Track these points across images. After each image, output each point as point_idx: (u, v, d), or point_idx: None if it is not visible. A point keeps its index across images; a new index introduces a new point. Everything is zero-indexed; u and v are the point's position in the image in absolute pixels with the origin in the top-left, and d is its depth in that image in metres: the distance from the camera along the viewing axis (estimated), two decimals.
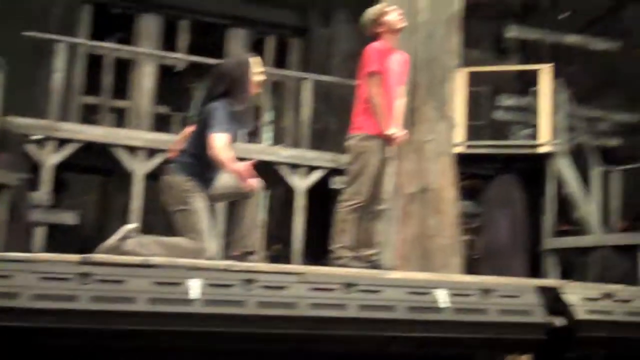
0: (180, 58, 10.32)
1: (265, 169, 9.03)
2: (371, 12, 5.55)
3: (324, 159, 9.28)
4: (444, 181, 7.91)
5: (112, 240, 4.59)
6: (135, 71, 10.26)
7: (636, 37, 12.23)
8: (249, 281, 3.19)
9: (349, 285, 3.39)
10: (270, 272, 3.62)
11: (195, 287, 3.01)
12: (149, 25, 10.67)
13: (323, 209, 9.40)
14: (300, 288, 3.29)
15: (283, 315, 3.16)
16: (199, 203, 4.70)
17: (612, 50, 12.26)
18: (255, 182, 4.75)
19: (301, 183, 9.17)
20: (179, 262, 3.71)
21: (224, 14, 11.08)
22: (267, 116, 11.79)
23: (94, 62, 10.18)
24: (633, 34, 12.32)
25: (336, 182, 8.91)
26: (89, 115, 10.34)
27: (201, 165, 4.75)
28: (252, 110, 4.99)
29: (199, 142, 4.73)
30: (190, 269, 3.34)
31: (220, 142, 4.53)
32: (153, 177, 7.97)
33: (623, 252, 9.43)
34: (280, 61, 11.55)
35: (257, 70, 4.91)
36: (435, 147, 7.96)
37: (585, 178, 10.43)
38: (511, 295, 3.79)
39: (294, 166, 9.19)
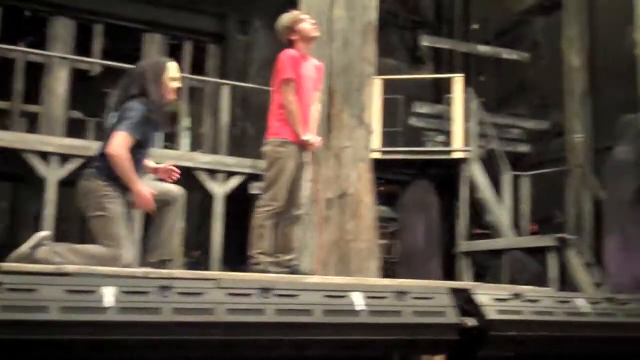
0: (94, 62, 10.10)
1: (184, 175, 8.96)
2: (285, 19, 5.59)
3: (242, 164, 9.28)
4: (362, 186, 8.03)
5: (24, 248, 4.44)
6: (48, 75, 9.98)
7: (543, 48, 12.74)
8: (165, 288, 3.17)
9: (265, 290, 3.41)
10: (186, 279, 3.62)
11: (109, 295, 2.97)
12: (62, 28, 10.41)
13: (243, 215, 9.40)
14: (217, 294, 3.29)
15: (200, 322, 3.15)
16: (116, 208, 4.61)
17: (520, 60, 12.70)
18: (149, 207, 4.69)
19: (220, 189, 9.13)
20: (93, 269, 3.65)
21: (139, 18, 10.93)
22: (185, 122, 11.67)
23: (5, 66, 9.87)
24: (540, 45, 12.82)
25: (255, 188, 8.91)
26: (0, 120, 10.01)
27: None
28: (167, 114, 4.91)
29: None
30: (105, 276, 3.29)
31: (118, 140, 4.46)
32: (67, 183, 7.79)
33: (533, 254, 9.79)
34: (197, 67, 11.47)
35: (174, 75, 4.87)
36: (353, 153, 8.07)
37: (496, 183, 10.78)
38: (425, 297, 3.88)
39: (213, 172, 9.15)
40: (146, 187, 4.59)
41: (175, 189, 4.93)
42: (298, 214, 5.50)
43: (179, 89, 4.93)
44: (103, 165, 4.64)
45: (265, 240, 5.32)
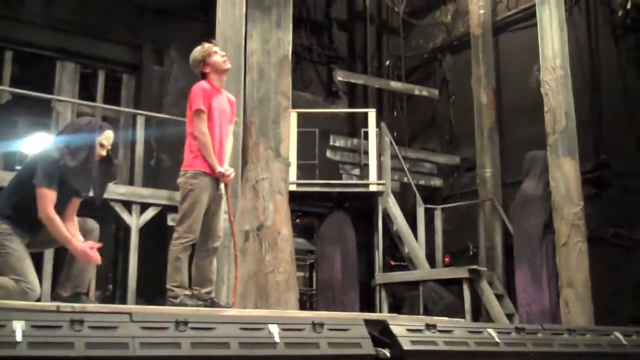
0: (3, 90, 9.80)
1: (98, 206, 8.75)
2: (196, 52, 5.59)
3: (158, 196, 9.13)
4: (279, 219, 8.05)
5: None
6: None
7: (453, 85, 13.18)
8: (77, 322, 3.08)
9: (181, 324, 3.37)
10: (99, 312, 3.53)
11: (19, 329, 2.87)
12: None
13: (159, 247, 9.23)
14: (131, 327, 3.23)
15: (113, 356, 3.08)
16: (15, 245, 4.51)
17: (431, 96, 13.08)
18: (96, 258, 4.69)
19: (135, 221, 8.95)
20: (3, 303, 3.52)
21: (52, 46, 10.67)
22: None
23: None
24: (450, 82, 13.26)
25: (171, 220, 8.79)
26: None
27: (20, 207, 4.59)
28: (89, 176, 4.85)
29: (21, 186, 4.62)
30: (15, 310, 3.18)
31: (44, 200, 4.49)
32: None
33: (447, 285, 9.99)
34: (111, 97, 11.28)
35: (105, 142, 4.90)
36: (270, 185, 8.10)
37: (411, 216, 10.98)
38: (341, 329, 3.92)
39: (128, 203, 8.96)
40: (82, 243, 4.60)
41: (90, 222, 4.86)
42: (215, 246, 5.46)
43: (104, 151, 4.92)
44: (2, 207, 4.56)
45: (181, 273, 5.26)
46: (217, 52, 5.57)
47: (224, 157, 5.51)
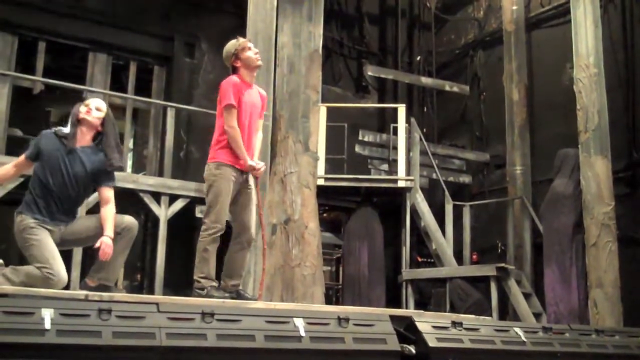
0: (36, 80, 9.92)
1: (127, 197, 8.83)
2: (230, 46, 5.61)
3: (186, 187, 9.19)
4: (307, 212, 8.07)
5: None
6: None
7: (484, 81, 13.06)
8: (105, 311, 3.12)
9: (207, 315, 3.39)
10: (126, 302, 3.56)
11: (48, 317, 2.91)
12: (4, 44, 10.20)
13: (187, 238, 9.30)
14: (158, 318, 3.26)
15: (140, 346, 3.11)
16: (38, 236, 4.60)
17: (462, 92, 12.99)
18: (104, 253, 4.71)
19: (163, 212, 9.02)
20: (33, 291, 3.57)
21: (85, 37, 10.77)
22: (129, 143, 11.54)
23: None
24: (481, 78, 13.14)
25: (200, 211, 8.84)
26: None
27: (46, 201, 4.70)
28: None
29: (47, 178, 4.72)
30: (44, 298, 3.22)
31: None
32: (5, 202, 7.61)
33: (475, 283, 9.93)
34: (143, 88, 11.37)
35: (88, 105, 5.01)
36: (298, 179, 8.12)
37: (439, 212, 10.93)
38: (366, 324, 3.92)
39: (157, 195, 9.03)
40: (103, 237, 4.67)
41: (127, 220, 4.90)
42: (248, 239, 5.47)
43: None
44: (26, 199, 4.70)
45: (208, 264, 5.29)
46: (250, 48, 5.59)
47: (254, 151, 5.53)
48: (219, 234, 5.31)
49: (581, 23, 8.91)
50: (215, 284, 5.31)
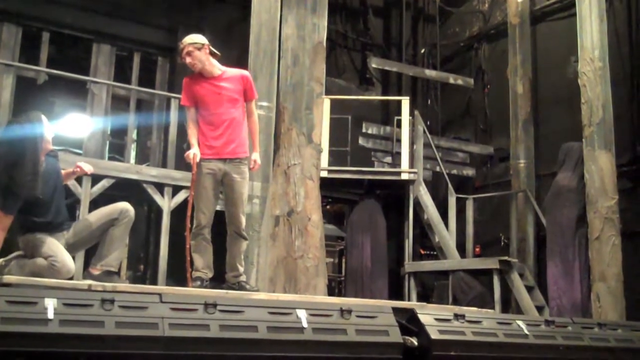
0: (40, 70, 9.92)
1: (131, 188, 8.84)
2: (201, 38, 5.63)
3: (189, 179, 9.15)
4: (310, 204, 8.07)
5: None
6: None
7: (488, 74, 13.03)
8: (108, 301, 3.12)
9: (210, 306, 3.40)
10: (129, 292, 3.57)
11: (51, 307, 2.91)
12: (9, 35, 10.20)
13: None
14: (161, 308, 3.27)
15: (143, 336, 3.12)
16: (46, 240, 4.65)
17: (466, 85, 12.95)
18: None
19: (167, 203, 9.03)
20: (36, 281, 3.58)
21: (88, 28, 10.76)
22: (132, 134, 11.54)
23: None
24: (485, 71, 13.11)
25: None
26: None
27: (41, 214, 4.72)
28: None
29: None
30: (47, 288, 3.23)
31: None
32: None
33: (477, 276, 9.94)
34: (146, 79, 11.36)
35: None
36: (301, 171, 8.12)
37: (442, 205, 10.92)
38: (369, 316, 3.92)
39: (160, 185, 9.04)
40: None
41: (123, 205, 4.94)
42: (235, 231, 5.49)
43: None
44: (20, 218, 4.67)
45: (196, 258, 5.40)
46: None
47: (238, 137, 5.56)
48: (199, 229, 5.42)
49: (586, 16, 8.87)
50: (201, 273, 5.38)
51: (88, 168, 5.18)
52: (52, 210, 4.76)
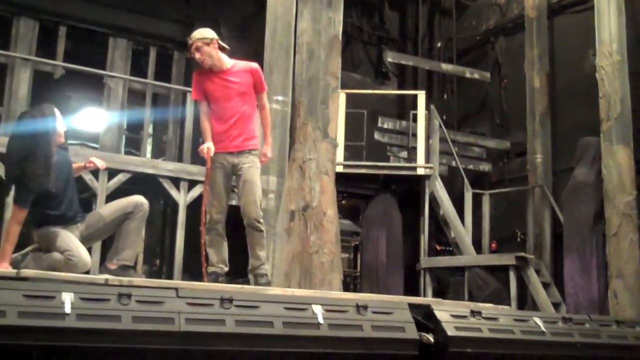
0: (57, 65, 9.96)
1: (147, 182, 8.87)
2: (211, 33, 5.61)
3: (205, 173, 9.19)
4: (325, 199, 8.05)
5: (15, 255, 4.63)
6: (10, 76, 9.81)
7: (505, 68, 12.94)
8: (125, 295, 3.13)
9: (226, 301, 3.40)
10: (146, 287, 3.58)
11: (68, 301, 2.92)
12: (26, 29, 10.25)
13: None
14: (177, 303, 3.27)
15: (159, 331, 3.12)
16: (61, 233, 4.68)
17: (482, 80, 12.87)
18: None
19: (183, 197, 9.06)
20: (53, 275, 3.60)
21: (105, 22, 10.79)
22: (148, 129, 11.58)
23: None
24: (502, 65, 13.02)
25: None
26: None
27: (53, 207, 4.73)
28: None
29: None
30: (65, 282, 3.24)
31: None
32: None
33: (493, 272, 9.89)
34: (162, 73, 11.38)
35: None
36: (317, 166, 8.10)
37: (458, 200, 10.87)
38: (385, 312, 3.91)
39: (176, 180, 9.06)
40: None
41: (138, 198, 4.96)
42: (249, 223, 5.48)
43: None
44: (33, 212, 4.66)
45: (211, 253, 5.43)
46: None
47: (249, 130, 5.55)
48: (212, 224, 5.44)
49: (604, 10, 8.79)
50: (216, 268, 5.43)
51: (101, 163, 5.21)
52: (64, 203, 4.78)
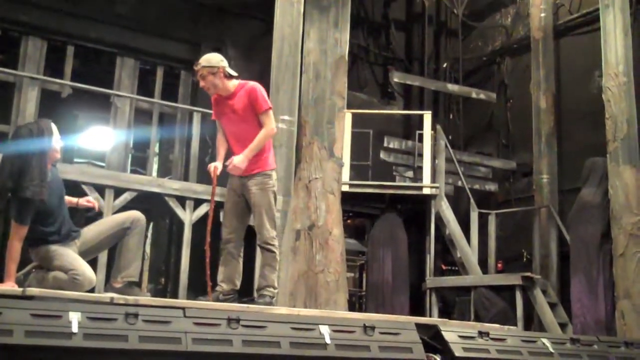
0: (65, 84, 10.02)
1: (152, 201, 8.87)
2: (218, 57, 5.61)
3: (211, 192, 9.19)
4: (331, 218, 8.06)
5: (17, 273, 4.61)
6: (18, 95, 9.86)
7: (511, 89, 12.97)
8: (132, 315, 3.12)
9: (233, 321, 3.39)
10: (153, 306, 3.57)
11: (75, 320, 2.92)
12: (34, 48, 10.32)
13: (213, 243, 9.30)
14: (184, 323, 3.26)
15: (166, 350, 3.11)
16: (63, 251, 4.69)
17: (488, 100, 12.89)
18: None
19: (188, 216, 9.05)
20: (60, 294, 3.59)
21: (112, 42, 10.87)
22: (154, 147, 11.61)
23: None
24: (508, 86, 13.05)
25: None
26: None
27: (49, 224, 4.74)
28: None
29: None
30: (71, 301, 3.23)
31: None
32: None
33: (499, 292, 9.84)
34: (169, 93, 11.43)
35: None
36: (323, 185, 8.11)
37: (464, 220, 10.85)
38: (392, 333, 3.89)
39: (182, 199, 9.07)
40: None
41: (134, 213, 4.98)
42: (259, 244, 5.48)
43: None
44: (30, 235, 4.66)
45: (221, 270, 5.44)
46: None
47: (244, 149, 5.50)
48: (223, 243, 5.51)
49: (611, 31, 8.81)
50: (218, 286, 5.45)
51: (96, 206, 5.30)
52: (59, 220, 4.78)
